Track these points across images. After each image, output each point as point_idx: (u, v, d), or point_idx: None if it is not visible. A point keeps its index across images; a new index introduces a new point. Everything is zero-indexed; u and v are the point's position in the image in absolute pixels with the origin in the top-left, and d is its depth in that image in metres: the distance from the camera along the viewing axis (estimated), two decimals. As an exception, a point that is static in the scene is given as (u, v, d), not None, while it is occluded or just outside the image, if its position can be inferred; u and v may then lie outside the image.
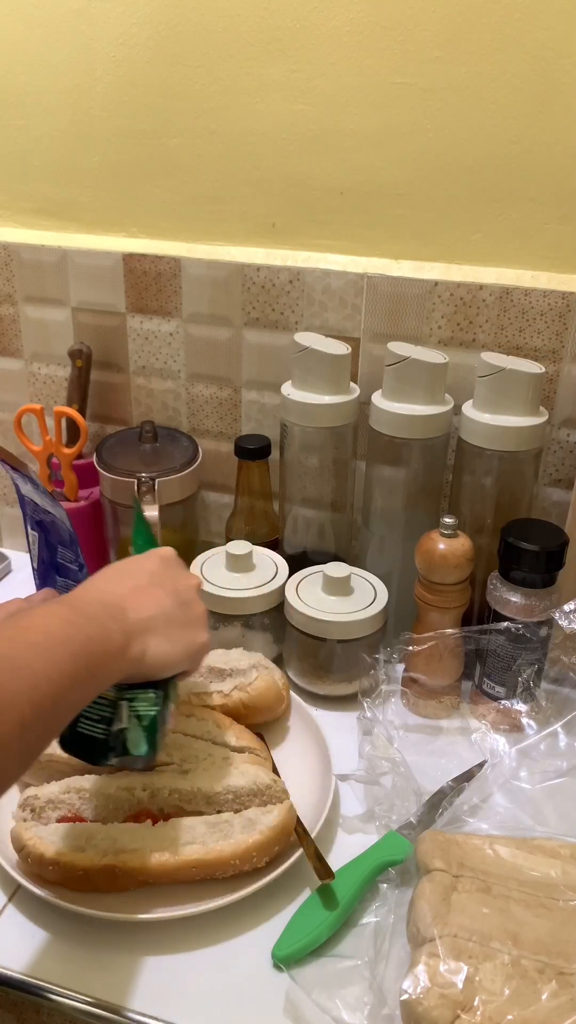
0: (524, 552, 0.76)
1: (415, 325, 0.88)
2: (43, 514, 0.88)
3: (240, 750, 0.73)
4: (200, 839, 0.65)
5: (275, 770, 0.75)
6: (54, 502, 0.85)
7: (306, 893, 0.66)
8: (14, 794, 0.70)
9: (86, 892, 0.64)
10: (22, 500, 0.91)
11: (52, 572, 0.92)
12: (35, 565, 0.94)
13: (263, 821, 0.66)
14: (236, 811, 0.67)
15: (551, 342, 0.85)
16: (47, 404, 1.03)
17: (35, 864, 0.64)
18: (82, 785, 0.68)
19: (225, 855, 0.64)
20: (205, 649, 0.67)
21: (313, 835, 0.67)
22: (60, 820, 0.67)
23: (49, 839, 0.65)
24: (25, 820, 0.67)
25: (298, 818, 0.68)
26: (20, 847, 0.65)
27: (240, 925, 0.64)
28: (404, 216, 0.87)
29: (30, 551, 0.94)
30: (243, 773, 0.69)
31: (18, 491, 0.90)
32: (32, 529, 0.91)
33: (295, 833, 0.67)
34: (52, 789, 0.68)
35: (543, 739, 0.78)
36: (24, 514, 0.92)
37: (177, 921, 0.63)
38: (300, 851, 0.66)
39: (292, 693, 0.83)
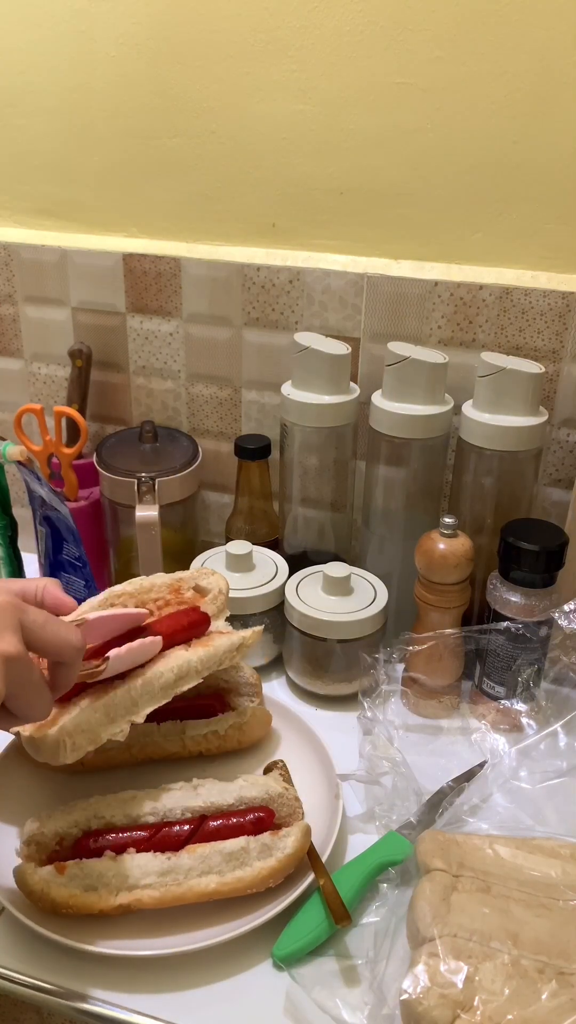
0: (524, 552, 0.76)
1: (415, 325, 0.88)
2: (50, 510, 0.89)
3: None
4: (216, 868, 0.63)
5: (286, 772, 0.74)
6: (59, 498, 0.86)
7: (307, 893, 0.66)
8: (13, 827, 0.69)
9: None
10: (32, 496, 0.91)
11: (58, 570, 0.92)
12: (42, 561, 0.95)
13: (279, 846, 0.64)
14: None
15: (551, 342, 0.85)
16: (47, 404, 1.03)
17: (47, 908, 0.62)
18: (89, 816, 0.65)
19: (243, 884, 0.63)
20: None
21: (324, 857, 0.66)
22: (72, 850, 0.64)
23: (57, 882, 0.62)
24: (29, 859, 0.64)
25: (316, 852, 0.66)
26: (28, 891, 0.62)
27: (240, 925, 0.64)
28: (404, 216, 0.87)
29: (38, 548, 0.95)
30: (253, 784, 0.68)
31: (27, 487, 0.91)
32: (40, 525, 0.92)
33: (310, 863, 0.65)
34: (57, 824, 0.65)
35: (543, 739, 0.78)
36: (33, 511, 0.93)
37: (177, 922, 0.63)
38: (312, 876, 0.65)
39: (291, 700, 0.81)
